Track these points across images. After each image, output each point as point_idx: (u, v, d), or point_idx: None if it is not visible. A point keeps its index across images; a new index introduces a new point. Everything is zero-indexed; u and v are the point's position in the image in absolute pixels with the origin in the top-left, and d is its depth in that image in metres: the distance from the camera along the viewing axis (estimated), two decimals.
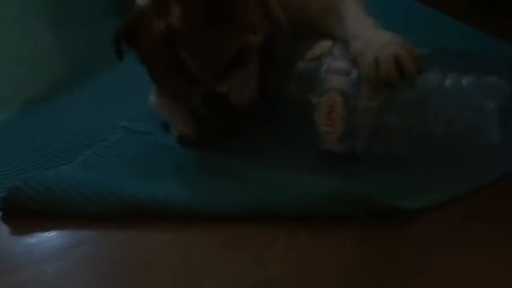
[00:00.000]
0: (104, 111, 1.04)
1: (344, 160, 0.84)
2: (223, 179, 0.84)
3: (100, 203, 0.81)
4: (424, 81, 0.79)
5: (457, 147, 0.80)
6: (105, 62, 1.19)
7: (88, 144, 0.95)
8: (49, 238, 0.80)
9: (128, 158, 0.91)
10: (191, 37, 0.84)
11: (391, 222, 0.74)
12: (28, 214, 0.83)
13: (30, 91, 1.14)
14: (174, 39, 0.84)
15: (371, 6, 0.92)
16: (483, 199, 0.77)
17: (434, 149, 0.80)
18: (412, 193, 0.77)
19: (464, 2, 1.31)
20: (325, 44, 0.87)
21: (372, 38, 0.81)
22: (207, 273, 0.71)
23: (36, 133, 1.01)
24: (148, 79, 0.92)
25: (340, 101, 0.81)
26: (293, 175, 0.82)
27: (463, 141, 0.78)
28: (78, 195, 0.82)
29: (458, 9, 1.29)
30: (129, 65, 1.17)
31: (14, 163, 0.94)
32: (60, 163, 0.91)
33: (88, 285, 0.72)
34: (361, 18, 0.87)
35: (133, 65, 1.04)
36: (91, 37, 1.34)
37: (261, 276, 0.69)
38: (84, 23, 1.42)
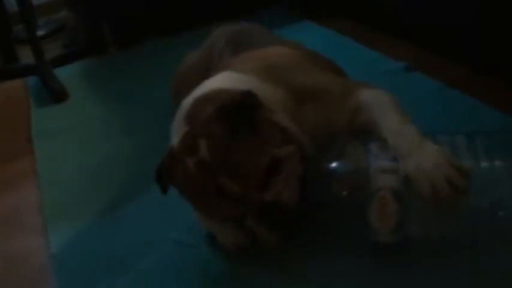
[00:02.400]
0: (156, 222, 1.12)
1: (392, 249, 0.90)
2: None
3: None
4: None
5: None
6: None
7: (140, 255, 1.03)
8: None
9: (177, 273, 0.98)
10: (224, 163, 0.89)
11: None
12: None
13: (91, 205, 1.24)
14: (209, 170, 0.89)
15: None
16: None
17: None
18: None
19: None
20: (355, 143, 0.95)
21: (421, 160, 0.87)
22: None
23: (92, 246, 1.11)
24: None
25: (393, 198, 0.87)
26: None
27: None
28: None
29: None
30: None
31: (68, 276, 1.04)
32: (116, 274, 1.01)
33: None
34: (401, 134, 0.91)
35: None
36: (153, 142, 1.40)
37: None
38: (146, 130, 1.52)
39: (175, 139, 0.95)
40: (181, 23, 2.19)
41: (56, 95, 1.83)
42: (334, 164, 0.93)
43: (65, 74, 2.01)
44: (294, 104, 1.00)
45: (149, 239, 1.08)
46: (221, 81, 1.01)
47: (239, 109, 0.90)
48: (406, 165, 0.88)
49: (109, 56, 2.18)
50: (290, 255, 0.95)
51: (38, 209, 1.28)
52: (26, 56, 2.26)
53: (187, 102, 0.98)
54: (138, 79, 1.90)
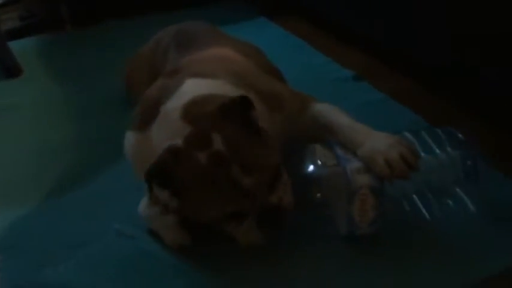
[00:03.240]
0: (100, 210, 1.16)
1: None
2: None
3: None
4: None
5: None
6: (112, 156, 1.27)
7: (83, 243, 1.06)
8: None
9: (117, 263, 1.02)
10: (239, 155, 0.91)
11: None
12: None
13: (39, 189, 1.26)
14: (223, 163, 0.90)
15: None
16: None
17: None
18: None
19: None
20: (322, 149, 1.02)
21: (374, 143, 0.97)
22: None
23: (36, 231, 1.14)
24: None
25: (371, 194, 0.96)
26: None
27: None
28: None
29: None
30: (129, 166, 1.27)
31: (14, 261, 1.06)
32: (58, 261, 1.03)
33: None
34: (353, 128, 1.03)
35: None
36: (101, 129, 1.46)
37: None
38: (95, 115, 1.54)
39: (170, 140, 0.94)
40: (139, 8, 2.21)
41: (8, 70, 1.82)
42: (310, 169, 1.00)
43: (19, 48, 2.00)
44: (265, 111, 1.05)
45: (92, 227, 1.11)
46: (200, 87, 1.02)
47: (239, 110, 0.93)
48: (362, 152, 0.98)
49: (66, 34, 2.17)
50: (231, 251, 1.00)
51: None
52: None
53: (175, 107, 0.98)
54: (93, 60, 1.91)
